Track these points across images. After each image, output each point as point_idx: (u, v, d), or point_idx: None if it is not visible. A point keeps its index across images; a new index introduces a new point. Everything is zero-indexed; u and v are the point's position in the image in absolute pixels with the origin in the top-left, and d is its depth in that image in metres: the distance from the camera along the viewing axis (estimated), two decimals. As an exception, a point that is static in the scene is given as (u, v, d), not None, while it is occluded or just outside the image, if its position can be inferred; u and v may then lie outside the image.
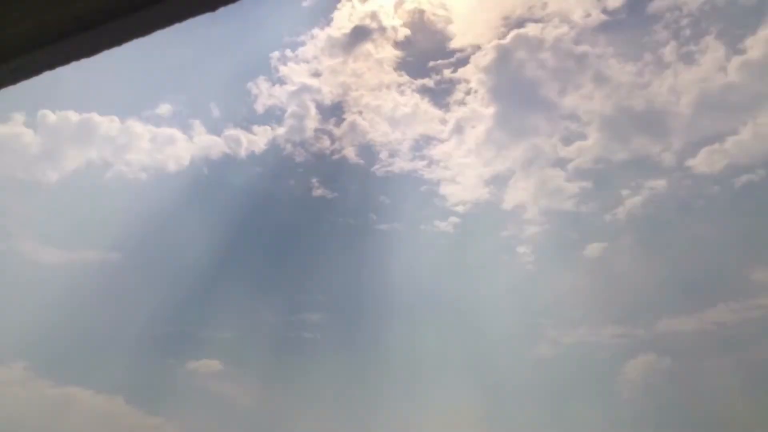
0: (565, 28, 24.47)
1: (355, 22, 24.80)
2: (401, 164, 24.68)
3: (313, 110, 24.66)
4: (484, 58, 24.85)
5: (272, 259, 23.88)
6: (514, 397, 20.70)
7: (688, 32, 23.56)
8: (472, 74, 25.02)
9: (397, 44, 24.95)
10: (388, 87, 24.96)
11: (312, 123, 24.63)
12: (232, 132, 23.83)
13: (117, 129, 22.95)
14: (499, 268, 23.90)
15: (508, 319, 22.71)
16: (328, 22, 25.70)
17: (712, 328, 20.29)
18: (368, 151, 24.86)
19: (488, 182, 24.30)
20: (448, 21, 25.09)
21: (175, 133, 23.25)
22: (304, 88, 24.49)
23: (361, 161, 24.83)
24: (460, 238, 23.99)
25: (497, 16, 25.32)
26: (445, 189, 24.33)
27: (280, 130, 24.36)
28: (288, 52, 25.15)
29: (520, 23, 24.75)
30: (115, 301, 22.00)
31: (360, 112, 25.05)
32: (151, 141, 22.95)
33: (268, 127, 24.23)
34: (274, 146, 24.45)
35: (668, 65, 23.77)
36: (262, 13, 24.92)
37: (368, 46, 24.94)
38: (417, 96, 25.15)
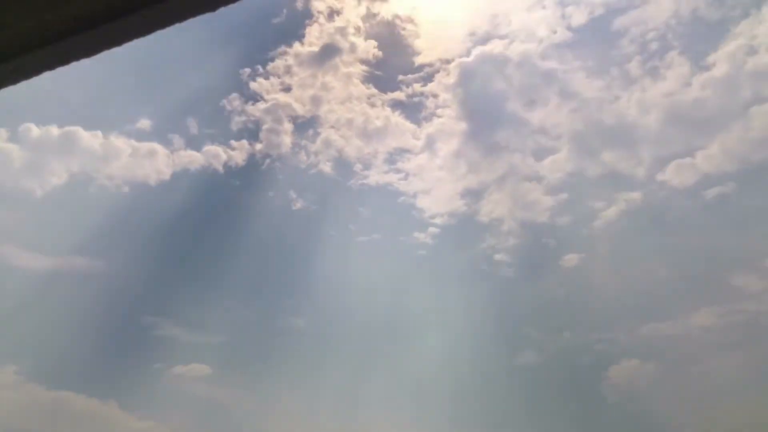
0: (530, 44, 24.88)
1: (325, 38, 25.25)
2: (377, 177, 25.16)
3: (287, 125, 24.80)
4: (452, 73, 25.36)
5: (256, 268, 24.09)
6: (500, 402, 20.94)
7: (653, 48, 24.12)
8: (441, 89, 25.51)
9: (365, 59, 25.24)
10: (359, 100, 25.24)
11: (288, 138, 24.76)
12: (210, 147, 23.95)
13: (99, 143, 23.37)
14: (479, 278, 24.24)
15: (491, 327, 23.00)
16: (298, 38, 25.97)
17: (697, 332, 20.66)
18: (344, 164, 25.36)
19: (464, 195, 24.70)
20: (416, 36, 25.49)
21: (156, 147, 23.65)
22: (278, 104, 24.64)
23: (338, 174, 25.32)
24: (439, 248, 24.37)
25: (464, 32, 25.76)
26: (421, 201, 24.79)
27: (258, 146, 24.48)
28: (259, 68, 25.46)
29: (486, 39, 25.19)
30: (100, 307, 22.39)
31: (333, 127, 25.38)
32: (132, 155, 23.40)
33: (245, 142, 24.32)
34: (252, 161, 24.72)
35: (635, 80, 24.28)
36: (233, 29, 25.41)
37: (337, 62, 25.31)
38: (388, 110, 25.53)
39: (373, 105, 25.12)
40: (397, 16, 25.26)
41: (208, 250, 23.71)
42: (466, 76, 25.10)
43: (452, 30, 26.09)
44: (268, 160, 24.96)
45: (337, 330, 23.15)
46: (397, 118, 25.43)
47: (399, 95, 25.37)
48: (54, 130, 22.81)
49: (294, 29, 26.00)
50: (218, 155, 23.88)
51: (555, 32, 24.68)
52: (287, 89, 25.01)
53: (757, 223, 21.92)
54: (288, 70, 25.07)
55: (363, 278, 24.21)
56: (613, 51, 24.69)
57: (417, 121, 25.67)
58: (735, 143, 22.52)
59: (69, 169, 22.62)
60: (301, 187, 25.04)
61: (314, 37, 25.47)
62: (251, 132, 24.90)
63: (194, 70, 25.49)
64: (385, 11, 25.37)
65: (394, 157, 25.09)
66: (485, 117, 25.64)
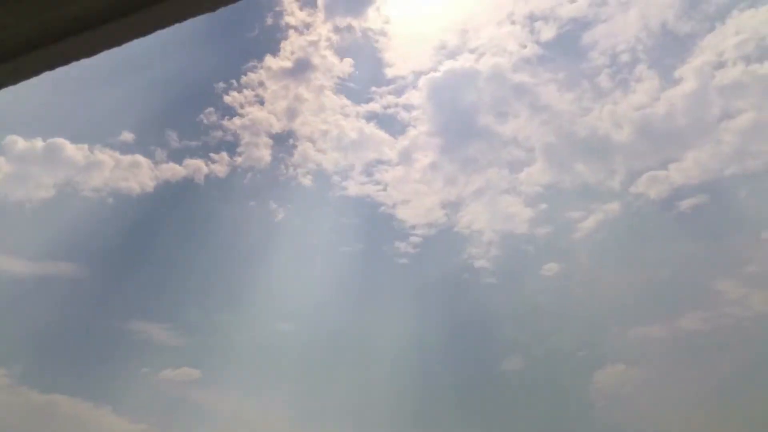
0: (501, 58, 25.24)
1: (297, 52, 25.41)
2: (356, 189, 25.33)
3: (264, 138, 25.07)
4: (424, 86, 25.66)
5: (241, 275, 24.36)
6: (485, 406, 21.13)
7: (622, 61, 24.41)
8: (414, 101, 25.75)
9: (338, 72, 25.43)
10: (332, 112, 25.54)
11: (266, 151, 25.08)
12: (190, 161, 24.30)
13: (83, 155, 23.66)
14: (461, 286, 24.59)
15: (474, 333, 23.37)
16: (271, 51, 26.19)
17: (682, 336, 20.95)
18: (322, 176, 25.56)
19: (444, 206, 25.02)
20: (389, 49, 25.84)
21: (140, 159, 23.96)
22: (254, 118, 24.95)
23: (317, 187, 25.57)
24: (421, 258, 24.68)
25: (434, 46, 26.11)
26: (401, 212, 24.98)
27: (237, 159, 24.83)
28: (233, 82, 25.65)
29: (456, 53, 25.50)
30: (85, 311, 22.95)
31: (309, 140, 25.56)
32: (115, 167, 23.72)
33: (225, 155, 24.59)
34: (232, 173, 25.12)
35: (606, 94, 24.66)
36: (205, 43, 25.67)
37: (310, 74, 25.60)
38: (363, 121, 25.70)
39: (347, 116, 25.37)
40: (369, 29, 25.52)
41: (192, 259, 24.14)
42: (438, 89, 25.45)
43: (424, 43, 26.46)
44: (249, 174, 25.28)
45: (322, 335, 23.61)
46: (372, 129, 25.63)
47: (373, 107, 25.59)
48: (39, 143, 23.32)
49: (266, 43, 26.35)
50: (199, 168, 24.13)
51: (525, 47, 24.99)
52: (261, 102, 25.23)
53: (732, 232, 22.41)
54: (261, 84, 25.27)
55: (347, 286, 24.59)
56: (583, 64, 24.98)
57: (392, 133, 25.88)
58: (707, 157, 22.99)
59: (55, 179, 23.09)
60: (282, 199, 25.35)
61: (287, 50, 25.65)
62: (230, 145, 25.18)
63: (170, 83, 25.64)
64: (357, 24, 25.52)
65: (371, 169, 25.34)
66: (459, 130, 25.94)
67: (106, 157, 23.52)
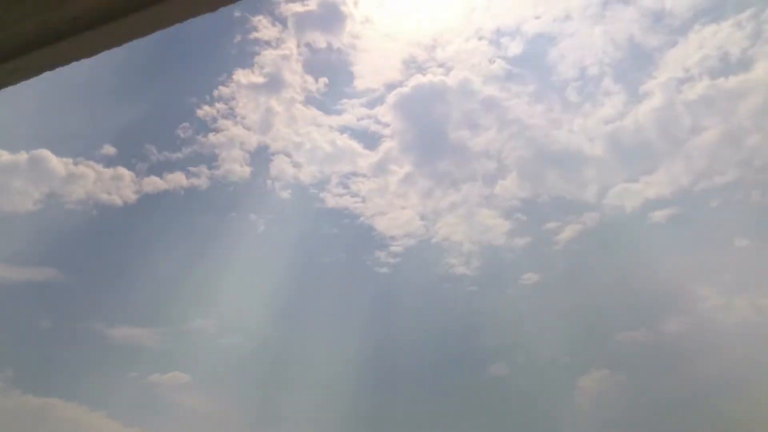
0: (469, 72, 25.53)
1: (268, 66, 25.59)
2: (333, 201, 25.51)
3: (240, 152, 25.23)
4: (395, 99, 25.88)
5: (224, 283, 24.51)
6: (472, 411, 21.32)
7: (590, 75, 24.77)
8: (386, 114, 25.95)
9: (310, 85, 25.67)
10: (305, 123, 25.70)
11: (243, 164, 25.25)
12: (170, 175, 24.48)
13: (66, 168, 23.87)
14: (442, 295, 24.89)
15: (457, 341, 23.65)
16: (241, 65, 26.57)
17: (668, 339, 21.30)
18: (300, 188, 25.75)
19: (422, 217, 25.33)
20: (358, 62, 26.13)
21: (122, 171, 24.12)
22: (230, 132, 25.14)
23: (295, 199, 25.74)
24: (401, 268, 24.93)
25: (404, 60, 26.30)
26: (379, 223, 25.17)
27: (216, 172, 25.06)
28: (206, 96, 25.92)
29: (425, 68, 25.84)
30: (70, 316, 23.15)
31: (284, 153, 25.65)
32: (98, 180, 23.90)
33: (204, 167, 24.81)
34: (212, 186, 25.24)
35: (575, 107, 24.98)
36: (178, 59, 25.94)
37: (282, 87, 25.79)
38: (336, 133, 25.87)
39: (319, 126, 25.64)
40: (340, 42, 25.78)
41: (176, 268, 24.18)
42: (408, 102, 25.67)
43: (392, 57, 26.68)
44: (230, 187, 25.48)
45: (307, 341, 23.75)
46: (345, 140, 25.83)
47: (346, 118, 25.84)
48: (23, 156, 23.58)
49: (237, 57, 26.46)
50: (180, 181, 24.35)
51: (493, 62, 25.34)
52: (234, 116, 25.41)
53: (706, 243, 22.89)
54: (233, 98, 25.49)
55: (329, 294, 24.82)
56: (552, 77, 25.41)
57: (367, 146, 26.02)
58: (678, 170, 23.44)
59: (40, 191, 23.39)
60: (262, 210, 25.55)
61: (257, 64, 25.82)
62: (208, 159, 25.27)
63: (146, 97, 26.13)
64: (326, 38, 25.74)
65: (346, 181, 25.53)
66: (431, 143, 26.20)
67: (89, 169, 23.91)
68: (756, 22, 22.75)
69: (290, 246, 25.76)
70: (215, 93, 25.39)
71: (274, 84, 25.65)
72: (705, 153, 23.13)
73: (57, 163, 23.68)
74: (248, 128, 25.45)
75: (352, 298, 24.74)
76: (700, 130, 23.43)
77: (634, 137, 24.03)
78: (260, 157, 25.68)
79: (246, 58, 26.61)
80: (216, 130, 25.18)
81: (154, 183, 24.27)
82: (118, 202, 23.88)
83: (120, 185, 23.99)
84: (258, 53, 25.78)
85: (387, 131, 25.99)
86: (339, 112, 25.90)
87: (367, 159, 25.78)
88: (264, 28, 25.42)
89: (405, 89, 25.78)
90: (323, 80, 25.70)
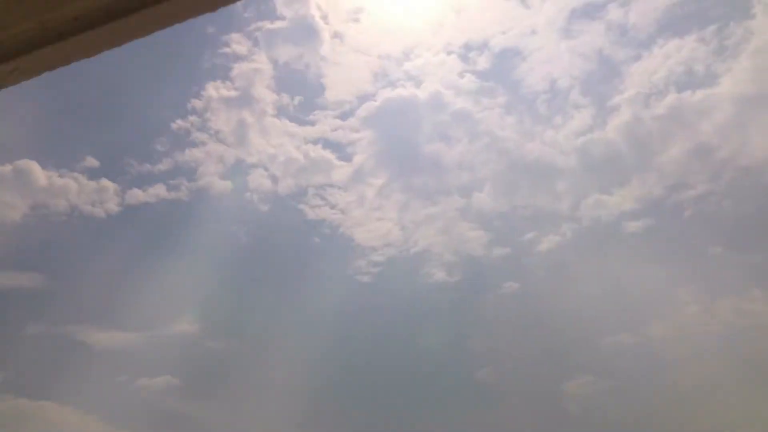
0: (439, 86, 25.88)
1: (240, 79, 25.73)
2: (312, 212, 25.77)
3: (218, 165, 25.49)
4: (367, 112, 26.12)
5: (209, 291, 24.95)
6: (462, 415, 21.38)
7: (559, 88, 25.30)
8: (358, 126, 26.19)
9: (282, 99, 25.85)
10: (278, 136, 25.86)
11: (221, 178, 25.45)
12: (151, 187, 24.86)
13: (49, 179, 24.04)
14: (425, 302, 25.13)
15: (442, 347, 23.68)
16: (214, 78, 26.43)
17: (654, 343, 21.57)
18: (278, 200, 26.01)
19: (401, 228, 25.61)
20: (332, 74, 26.35)
21: (106, 183, 24.32)
22: (206, 146, 25.37)
23: (275, 211, 25.98)
24: (384, 277, 25.21)
25: (375, 73, 26.69)
26: (359, 234, 25.48)
27: (194, 184, 25.20)
28: (180, 109, 25.88)
29: (395, 81, 26.15)
30: (51, 321, 23.17)
31: (259, 165, 25.79)
32: (81, 192, 24.08)
33: (184, 180, 25.10)
34: (192, 198, 25.36)
35: (546, 120, 25.47)
36: (151, 73, 25.87)
37: (254, 100, 25.90)
38: (310, 144, 26.05)
39: (292, 136, 25.78)
40: (314, 53, 25.99)
41: (162, 276, 24.18)
42: (380, 115, 25.91)
43: (364, 70, 26.89)
44: (212, 200, 25.61)
45: (294, 349, 23.74)
46: (319, 151, 25.99)
47: (321, 129, 25.97)
48: (8, 167, 23.66)
49: (209, 70, 26.51)
50: (161, 193, 24.43)
51: (463, 76, 25.73)
52: (208, 130, 25.46)
53: (681, 251, 23.41)
54: (206, 110, 25.58)
55: (315, 303, 24.86)
56: (522, 91, 25.81)
57: (341, 157, 26.21)
58: (651, 182, 23.97)
59: (26, 202, 23.67)
60: (243, 222, 25.88)
61: (229, 77, 26.01)
62: (187, 172, 25.39)
63: (123, 110, 26.24)
64: (297, 52, 25.93)
65: (323, 193, 25.79)
66: (405, 155, 26.51)
67: (72, 181, 24.11)
68: (719, 37, 23.38)
69: (273, 256, 26.10)
70: (188, 106, 25.59)
71: (244, 96, 25.81)
72: (676, 165, 23.65)
73: (40, 174, 23.70)
74: (222, 141, 25.70)
75: (336, 305, 24.89)
76: (670, 143, 23.96)
77: (605, 150, 24.50)
78: (238, 169, 25.85)
79: (217, 70, 26.68)
80: (191, 144, 25.42)
81: (136, 196, 24.39)
82: (101, 214, 24.05)
83: (104, 197, 24.14)
84: (229, 67, 25.93)
85: (362, 143, 26.27)
86: (312, 123, 26.06)
87: (341, 170, 26.03)
88: (235, 42, 25.59)
89: (375, 103, 26.07)
90: (295, 92, 25.94)
